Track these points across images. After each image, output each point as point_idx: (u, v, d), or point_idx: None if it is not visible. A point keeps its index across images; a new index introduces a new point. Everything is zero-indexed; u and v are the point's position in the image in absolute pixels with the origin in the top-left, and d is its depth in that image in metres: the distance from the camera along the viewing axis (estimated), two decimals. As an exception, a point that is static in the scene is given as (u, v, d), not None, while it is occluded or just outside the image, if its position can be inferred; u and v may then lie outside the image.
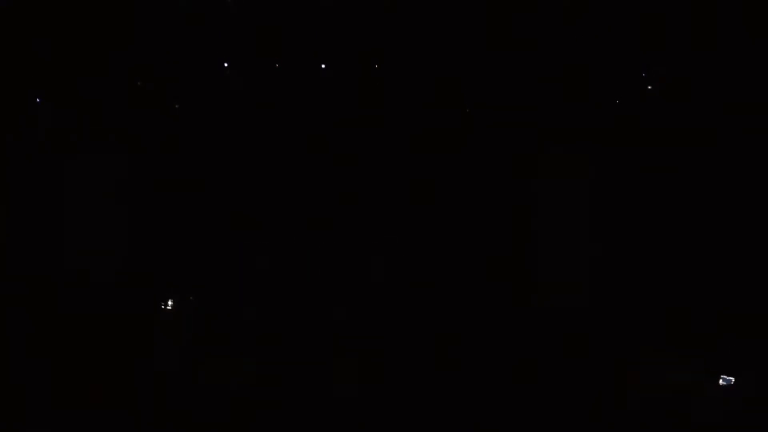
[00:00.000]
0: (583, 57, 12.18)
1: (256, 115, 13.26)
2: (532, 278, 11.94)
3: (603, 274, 11.70)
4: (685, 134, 12.35)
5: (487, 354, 10.10)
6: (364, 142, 13.17)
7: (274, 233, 12.47)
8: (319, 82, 12.82)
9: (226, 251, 12.42)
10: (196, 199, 13.00)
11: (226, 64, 12.83)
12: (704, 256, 11.79)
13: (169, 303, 11.76)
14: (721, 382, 9.28)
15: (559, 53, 12.15)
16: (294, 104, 13.08)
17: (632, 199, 12.54)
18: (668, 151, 12.51)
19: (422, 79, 12.65)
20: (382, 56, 12.62)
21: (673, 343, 10.23)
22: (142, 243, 12.52)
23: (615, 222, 12.33)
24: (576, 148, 12.38)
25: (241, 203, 13.04)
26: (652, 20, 11.65)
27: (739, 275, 11.47)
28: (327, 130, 13.17)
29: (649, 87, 12.59)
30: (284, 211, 12.88)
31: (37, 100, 12.83)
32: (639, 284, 11.66)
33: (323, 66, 12.72)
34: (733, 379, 9.26)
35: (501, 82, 12.51)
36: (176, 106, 13.31)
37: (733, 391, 9.13)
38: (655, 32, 11.75)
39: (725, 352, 9.78)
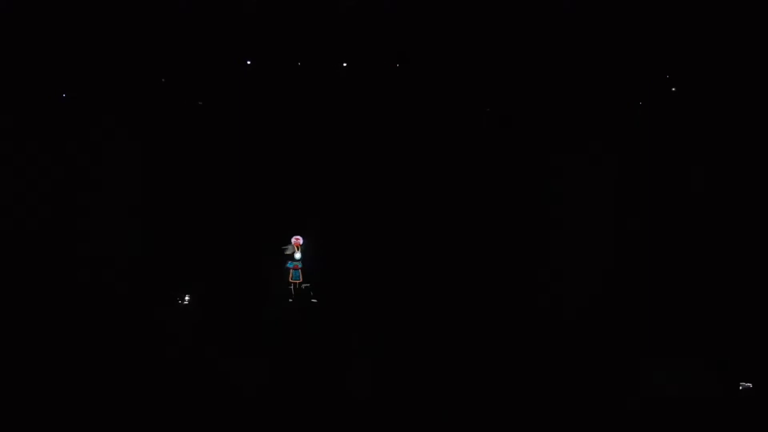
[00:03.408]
0: (594, 61, 12.16)
1: (273, 115, 13.37)
2: (540, 279, 11.95)
3: (611, 275, 11.67)
4: (691, 138, 12.27)
5: (496, 354, 10.11)
6: (379, 142, 13.22)
7: (290, 231, 12.62)
8: (337, 82, 12.93)
9: (240, 250, 12.52)
10: (212, 198, 13.15)
11: (248, 62, 12.96)
12: (712, 258, 11.72)
13: (186, 298, 11.86)
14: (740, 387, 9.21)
15: (575, 56, 12.14)
16: (310, 104, 13.19)
17: (641, 200, 12.47)
18: (674, 153, 12.45)
19: (439, 80, 12.71)
20: (400, 58, 12.68)
21: (681, 344, 10.17)
22: (157, 241, 12.69)
23: (623, 223, 12.28)
24: (584, 151, 12.40)
25: (256, 202, 13.17)
26: (667, 23, 11.60)
27: (748, 277, 11.37)
28: (343, 129, 13.25)
29: (672, 89, 12.55)
30: (300, 209, 13.00)
31: (51, 97, 13.08)
32: (648, 285, 11.61)
33: (343, 65, 12.84)
34: (751, 384, 9.18)
35: (515, 84, 12.51)
36: (196, 105, 13.47)
37: (741, 393, 9.08)
38: (669, 35, 11.70)
39: (733, 353, 9.71)
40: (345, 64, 12.97)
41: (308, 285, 12.32)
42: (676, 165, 12.54)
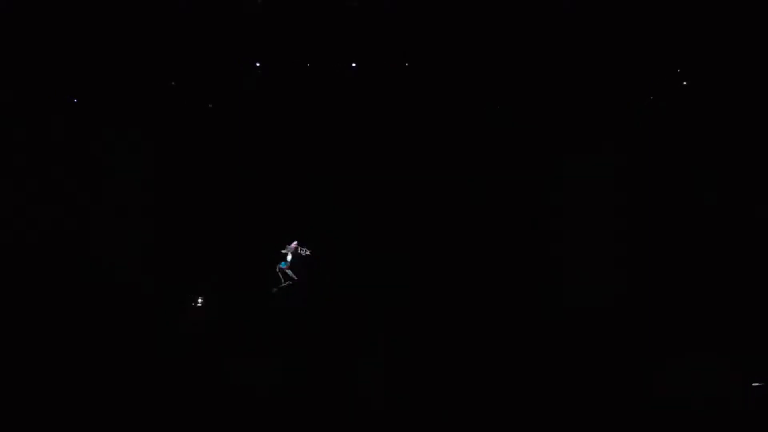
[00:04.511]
0: (599, 61, 12.09)
1: (283, 116, 13.39)
2: (557, 278, 11.87)
3: (627, 274, 11.57)
4: (705, 138, 12.14)
5: (511, 354, 10.12)
6: (387, 141, 13.20)
7: (302, 233, 12.63)
8: (345, 82, 12.94)
9: (254, 252, 12.55)
10: (221, 199, 13.22)
11: (258, 65, 13.00)
12: (729, 258, 11.59)
13: (199, 301, 11.91)
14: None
15: (580, 55, 12.08)
16: (319, 104, 13.20)
17: (657, 198, 12.36)
18: (688, 153, 12.34)
19: (446, 80, 12.68)
20: (408, 57, 12.67)
21: (698, 344, 10.10)
22: (170, 243, 12.76)
23: (640, 222, 12.17)
24: (599, 149, 12.32)
25: (269, 204, 13.20)
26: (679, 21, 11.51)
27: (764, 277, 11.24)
28: (352, 129, 13.25)
29: (684, 83, 12.44)
30: (312, 210, 13.02)
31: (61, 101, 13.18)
32: (663, 285, 11.51)
33: (353, 65, 12.84)
34: (762, 383, 9.11)
35: (522, 83, 12.47)
36: (208, 107, 13.52)
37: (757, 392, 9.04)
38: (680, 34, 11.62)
39: (749, 353, 9.63)
40: (354, 64, 12.97)
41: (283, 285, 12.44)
42: (690, 160, 12.43)
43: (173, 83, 13.27)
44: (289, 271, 12.43)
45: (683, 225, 12.04)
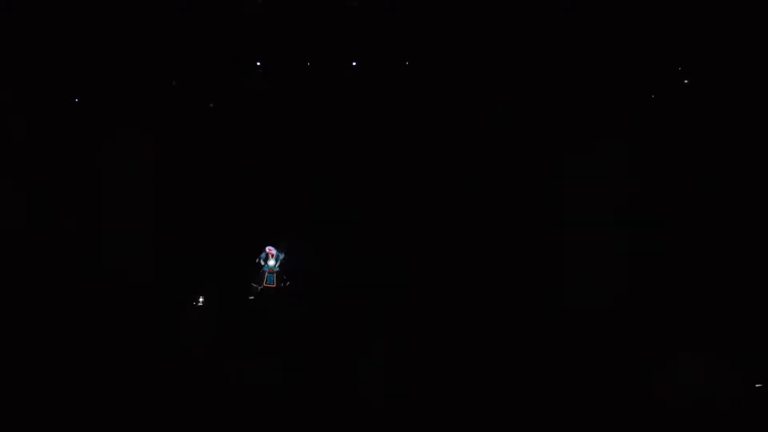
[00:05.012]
0: (599, 60, 12.10)
1: (283, 115, 13.42)
2: (557, 278, 11.88)
3: (627, 274, 11.58)
4: (706, 137, 12.14)
5: (511, 354, 10.13)
6: (387, 141, 13.22)
7: (302, 232, 12.63)
8: (345, 81, 12.97)
9: (254, 250, 12.57)
10: (222, 199, 13.25)
11: (258, 64, 13.04)
12: (729, 257, 11.59)
13: (200, 300, 11.91)
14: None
15: (580, 55, 12.10)
16: (319, 103, 13.23)
17: (657, 198, 12.38)
18: (689, 152, 12.34)
19: (446, 80, 12.70)
20: (408, 57, 12.71)
21: (698, 344, 10.09)
22: (171, 242, 12.79)
23: (640, 222, 12.18)
24: (599, 149, 12.33)
25: (269, 203, 13.23)
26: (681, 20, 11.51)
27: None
28: (352, 128, 13.27)
29: (685, 81, 12.45)
30: (312, 210, 13.05)
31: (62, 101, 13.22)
32: (663, 285, 11.52)
33: (353, 64, 12.88)
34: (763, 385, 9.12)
35: (522, 83, 12.48)
36: (209, 106, 13.56)
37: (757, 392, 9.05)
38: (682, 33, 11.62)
39: (750, 353, 9.63)
40: (354, 63, 13.00)
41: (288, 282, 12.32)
42: (690, 160, 12.44)
43: (174, 83, 13.31)
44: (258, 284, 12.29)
45: (683, 225, 12.03)
